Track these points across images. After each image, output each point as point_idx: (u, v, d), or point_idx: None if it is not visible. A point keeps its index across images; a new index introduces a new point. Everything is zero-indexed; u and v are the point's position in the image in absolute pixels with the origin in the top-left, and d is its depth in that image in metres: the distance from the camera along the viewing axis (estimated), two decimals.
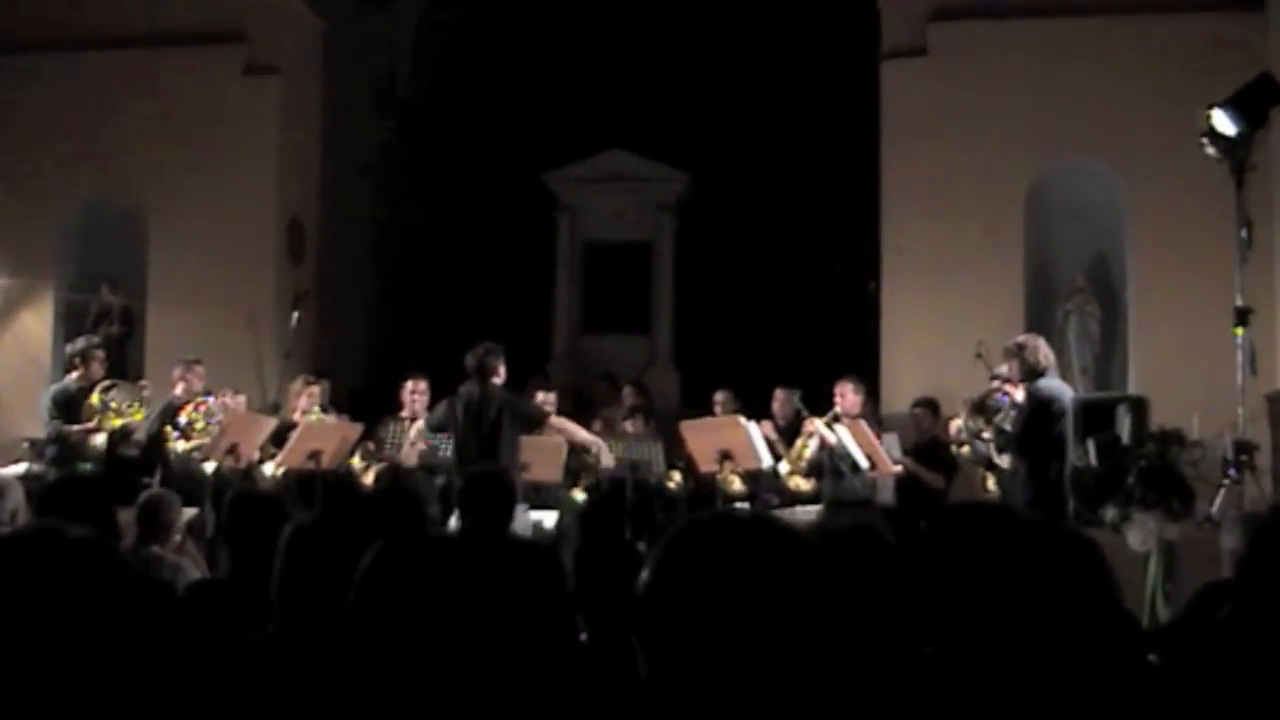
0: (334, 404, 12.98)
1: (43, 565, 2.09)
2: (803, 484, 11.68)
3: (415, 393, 11.99)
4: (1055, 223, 13.99)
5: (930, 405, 12.01)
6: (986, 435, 10.89)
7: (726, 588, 1.90)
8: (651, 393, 15.18)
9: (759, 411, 12.07)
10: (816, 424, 11.37)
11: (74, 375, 11.93)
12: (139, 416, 11.78)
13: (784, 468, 11.68)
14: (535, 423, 10.79)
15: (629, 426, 12.87)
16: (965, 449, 11.40)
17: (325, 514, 4.41)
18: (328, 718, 2.96)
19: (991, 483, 11.15)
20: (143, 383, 12.81)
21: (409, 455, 11.52)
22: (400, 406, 12.05)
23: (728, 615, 1.88)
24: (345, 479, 11.62)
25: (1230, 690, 3.32)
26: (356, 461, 11.89)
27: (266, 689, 3.52)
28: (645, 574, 1.96)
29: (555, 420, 11.14)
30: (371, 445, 11.85)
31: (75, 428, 11.59)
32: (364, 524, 4.35)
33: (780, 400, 12.41)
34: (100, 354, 12.16)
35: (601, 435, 12.45)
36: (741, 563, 1.93)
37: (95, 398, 11.65)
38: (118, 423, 11.71)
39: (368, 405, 13.08)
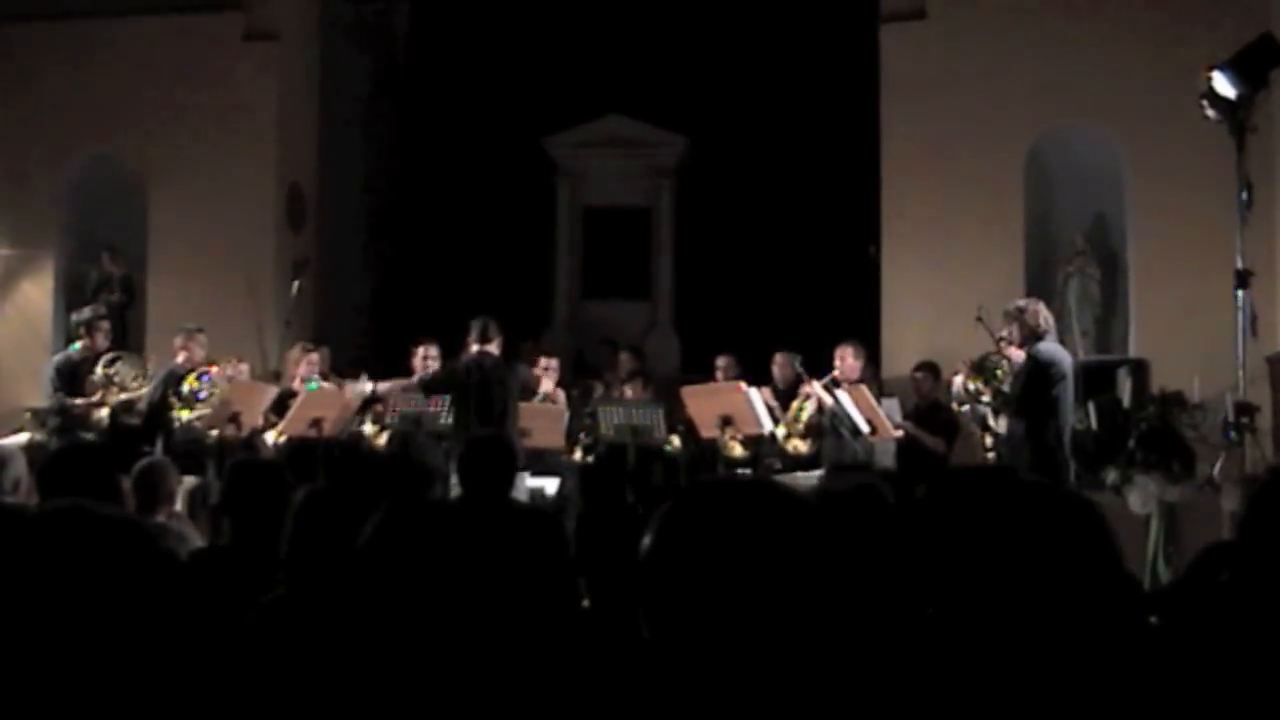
0: (335, 371, 12.99)
1: (74, 542, 2.10)
2: (800, 446, 11.66)
3: (427, 358, 11.98)
4: (1055, 185, 13.98)
5: (931, 369, 11.99)
6: (985, 397, 10.88)
7: (728, 552, 1.90)
8: (649, 357, 15.21)
9: (760, 376, 12.07)
10: (814, 386, 11.36)
11: (78, 345, 11.91)
12: (143, 391, 11.75)
13: (781, 431, 11.67)
14: (528, 390, 11.16)
15: (628, 391, 12.88)
16: (965, 408, 11.39)
17: (336, 481, 4.42)
18: (331, 684, 2.98)
19: (989, 443, 11.14)
20: (147, 355, 12.79)
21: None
22: (411, 372, 12.05)
23: (729, 579, 1.89)
24: (352, 445, 11.63)
25: (1231, 652, 3.34)
26: (369, 427, 11.91)
27: (272, 654, 3.54)
28: (647, 539, 1.96)
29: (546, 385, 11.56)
30: (380, 409, 11.85)
31: (79, 401, 11.55)
32: (372, 491, 4.36)
33: (780, 364, 12.40)
34: (105, 325, 12.13)
35: (602, 400, 12.54)
36: (742, 527, 1.94)
37: (99, 371, 11.61)
38: (121, 397, 11.67)
39: (368, 371, 13.08)
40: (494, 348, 10.83)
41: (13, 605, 2.02)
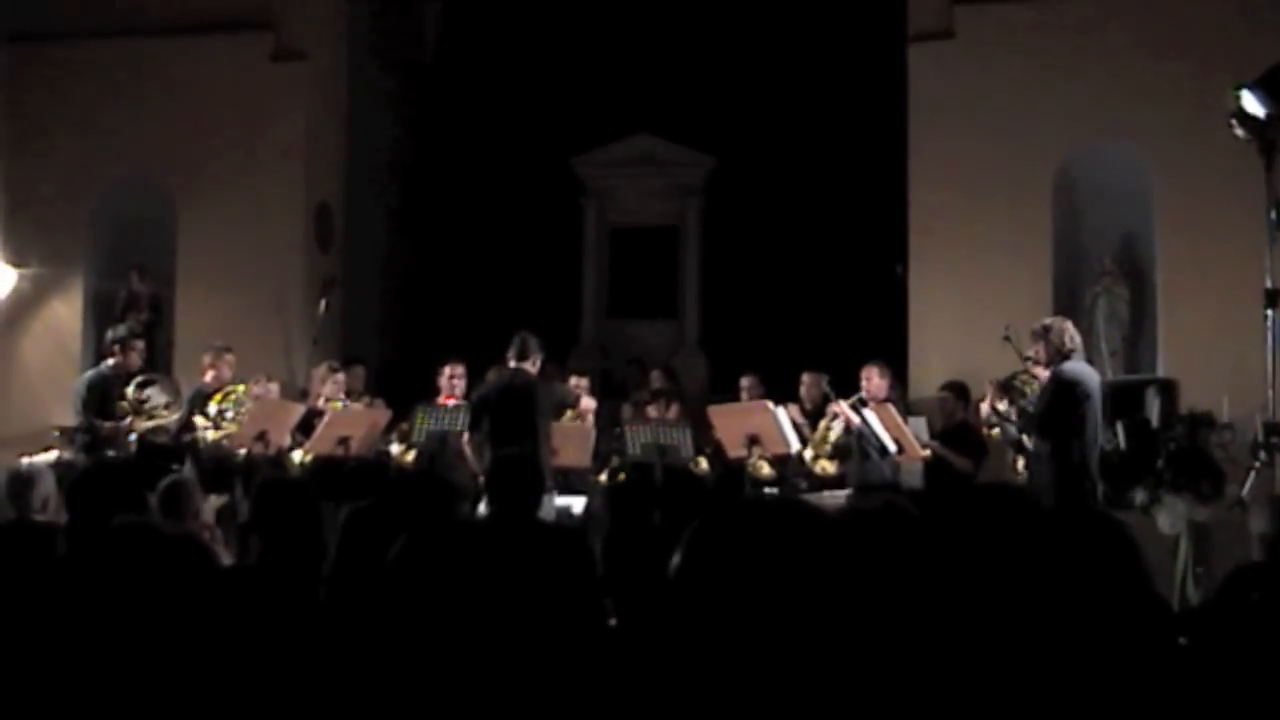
0: (369, 389, 13.02)
1: (139, 557, 2.12)
2: (828, 466, 11.64)
3: (454, 377, 11.99)
4: (1083, 205, 13.93)
5: (957, 389, 11.93)
6: (1013, 417, 10.84)
7: (756, 571, 1.90)
8: (680, 377, 15.21)
9: (786, 396, 12.05)
10: (841, 406, 11.35)
11: (111, 362, 11.81)
12: (173, 419, 11.65)
13: (808, 453, 11.65)
14: (567, 405, 11.04)
15: (651, 411, 12.88)
16: (995, 431, 11.34)
17: (378, 500, 4.43)
18: (362, 699, 2.98)
19: (1021, 465, 11.07)
20: (178, 379, 12.75)
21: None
22: (436, 391, 12.06)
23: (757, 598, 1.88)
24: (379, 464, 11.64)
25: (1261, 673, 3.32)
26: (395, 446, 11.91)
27: (303, 667, 3.55)
28: (676, 558, 1.96)
29: (586, 402, 11.46)
30: (405, 427, 11.86)
31: (108, 424, 11.45)
32: (406, 509, 4.38)
33: (807, 384, 12.39)
34: (140, 344, 11.99)
35: (630, 421, 12.51)
36: (770, 546, 1.93)
37: (130, 395, 11.50)
38: (150, 424, 11.56)
39: (394, 390, 13.10)
40: (530, 365, 10.76)
41: (73, 618, 2.03)
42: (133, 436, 11.51)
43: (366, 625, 3.36)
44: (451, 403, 11.68)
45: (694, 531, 1.97)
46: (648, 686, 2.34)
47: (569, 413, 12.01)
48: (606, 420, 12.75)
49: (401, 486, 6.13)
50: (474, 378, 11.81)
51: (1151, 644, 2.45)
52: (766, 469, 11.77)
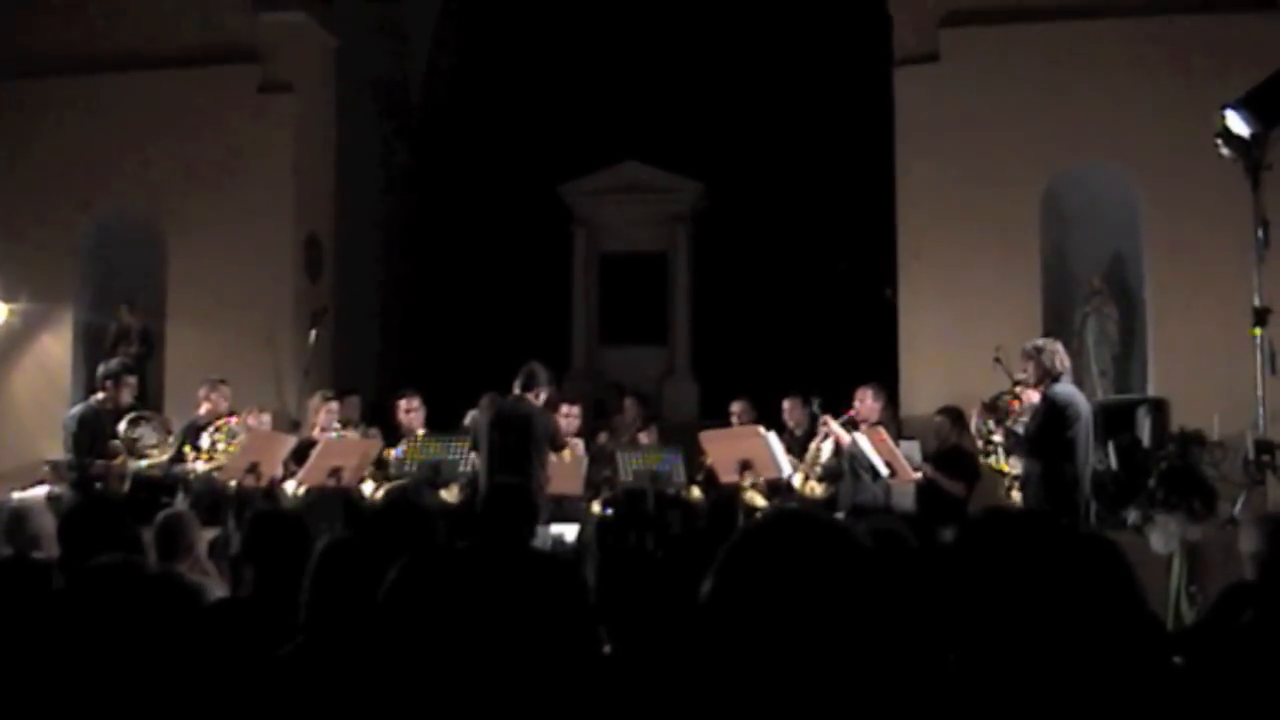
0: (364, 419, 12.99)
1: (122, 596, 2.12)
2: (817, 488, 11.60)
3: (410, 411, 12.01)
4: (1071, 225, 13.96)
5: (954, 414, 11.91)
6: (996, 437, 10.82)
7: (792, 592, 1.89)
8: (666, 402, 15.26)
9: (777, 421, 12.05)
10: (832, 424, 11.31)
11: (100, 396, 11.63)
12: (163, 459, 11.51)
13: (797, 479, 11.60)
14: (556, 447, 11.01)
15: (644, 438, 12.90)
16: (991, 460, 11.26)
17: (357, 531, 4.43)
18: None
19: (1015, 493, 10.99)
20: (168, 418, 12.61)
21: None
22: (397, 426, 12.03)
23: (792, 620, 1.87)
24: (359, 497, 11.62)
25: (1255, 692, 3.32)
26: (367, 484, 11.79)
27: (293, 704, 3.54)
28: (712, 577, 1.95)
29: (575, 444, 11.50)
30: (374, 467, 11.78)
31: (99, 462, 11.28)
32: (388, 539, 4.37)
33: (789, 408, 12.38)
34: (132, 380, 11.72)
35: (619, 446, 12.52)
36: (809, 566, 1.92)
37: (122, 434, 11.33)
38: (140, 464, 11.41)
39: (386, 420, 13.09)
40: (534, 397, 10.79)
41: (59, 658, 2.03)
42: (126, 475, 11.35)
43: (352, 655, 3.36)
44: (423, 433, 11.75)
45: (730, 549, 1.96)
46: (641, 714, 2.34)
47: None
48: (596, 448, 12.77)
49: (379, 516, 6.11)
50: (465, 406, 11.81)
51: (1145, 664, 2.45)
52: (759, 499, 11.71)
